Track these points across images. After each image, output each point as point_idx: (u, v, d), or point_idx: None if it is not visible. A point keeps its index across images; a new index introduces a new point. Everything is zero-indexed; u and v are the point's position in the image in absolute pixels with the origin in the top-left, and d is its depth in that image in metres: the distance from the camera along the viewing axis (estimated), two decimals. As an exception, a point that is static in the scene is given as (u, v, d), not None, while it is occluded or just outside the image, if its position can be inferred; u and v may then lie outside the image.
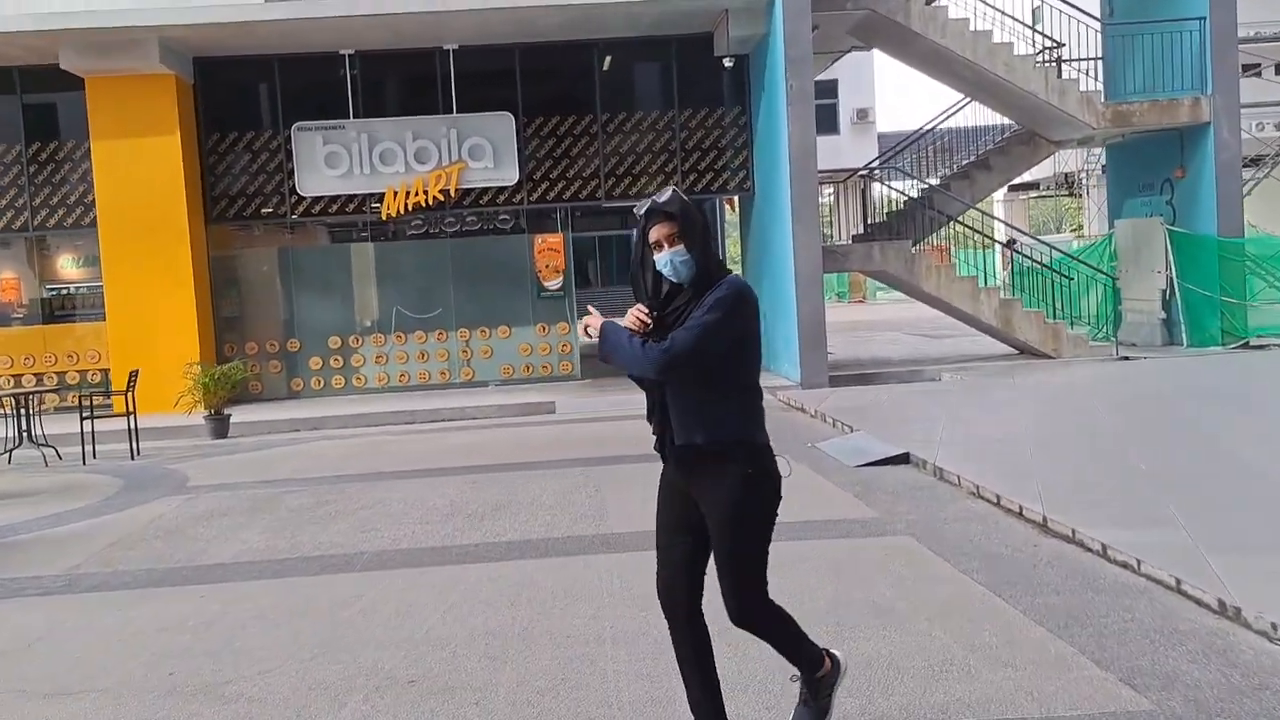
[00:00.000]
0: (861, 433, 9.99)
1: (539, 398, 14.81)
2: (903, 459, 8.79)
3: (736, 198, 18.37)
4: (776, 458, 3.61)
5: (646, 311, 3.49)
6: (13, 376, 15.99)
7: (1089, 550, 5.98)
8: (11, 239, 16.27)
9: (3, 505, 9.05)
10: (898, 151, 18.87)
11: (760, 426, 3.60)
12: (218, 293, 16.18)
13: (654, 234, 3.44)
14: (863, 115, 36.64)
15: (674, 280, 3.48)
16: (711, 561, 3.62)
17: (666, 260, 3.44)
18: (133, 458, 11.36)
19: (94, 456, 11.49)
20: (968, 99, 17.49)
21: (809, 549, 6.25)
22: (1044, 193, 37.39)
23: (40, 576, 6.69)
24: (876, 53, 19.97)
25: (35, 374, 16.01)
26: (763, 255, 16.41)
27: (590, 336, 3.63)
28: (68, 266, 16.79)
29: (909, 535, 6.58)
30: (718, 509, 3.51)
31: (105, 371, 15.50)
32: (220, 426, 12.84)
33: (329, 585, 6.17)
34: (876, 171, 17.43)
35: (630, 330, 3.48)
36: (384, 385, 16.54)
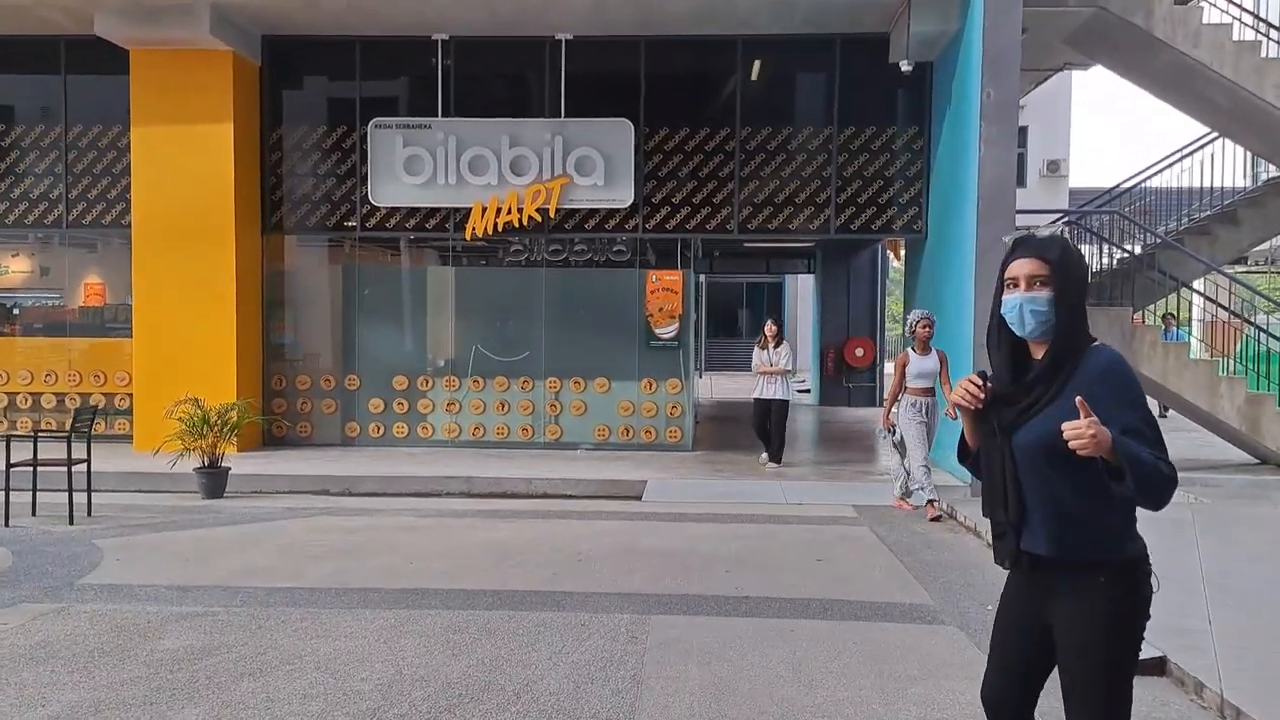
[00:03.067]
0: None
1: (629, 473, 11.65)
2: (1155, 666, 5.20)
3: (903, 241, 14.88)
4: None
5: (980, 382, 2.75)
6: (28, 394, 13.85)
7: None
8: (49, 234, 14.21)
9: None
10: (1113, 198, 15.03)
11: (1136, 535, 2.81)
12: (269, 314, 13.70)
13: (1014, 269, 2.77)
14: (1054, 168, 32.23)
15: (1018, 332, 2.77)
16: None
17: (1017, 304, 2.75)
18: (71, 521, 8.70)
19: (33, 514, 8.93)
20: (1212, 135, 13.60)
21: None
22: (1252, 268, 32.36)
23: None
24: (1075, 96, 16.16)
25: (57, 393, 13.83)
26: (936, 310, 12.86)
27: (1085, 446, 2.51)
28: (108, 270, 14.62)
29: None
30: (1082, 634, 2.74)
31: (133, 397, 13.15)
32: (213, 482, 10.14)
33: None
34: (1088, 220, 13.75)
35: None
36: (454, 438, 13.69)
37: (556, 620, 5.95)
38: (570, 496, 11.00)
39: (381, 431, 13.73)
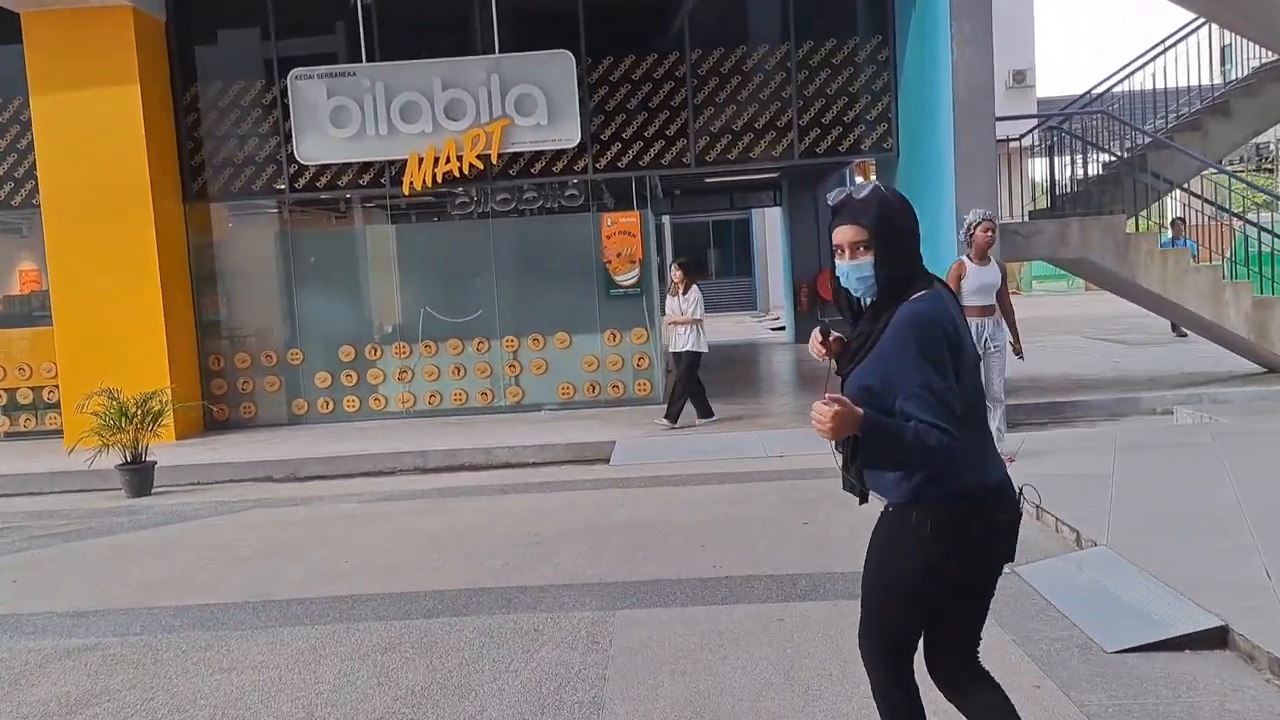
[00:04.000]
0: (1104, 548, 5.64)
1: (596, 434, 10.80)
2: (1216, 638, 4.40)
3: (873, 162, 13.96)
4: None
5: (823, 333, 2.83)
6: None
7: None
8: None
9: None
10: (1089, 102, 14.10)
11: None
12: (199, 289, 12.68)
13: (836, 236, 2.76)
14: (1019, 78, 31.26)
15: (857, 296, 2.80)
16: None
17: (844, 272, 2.76)
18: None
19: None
20: (1199, 21, 12.66)
21: None
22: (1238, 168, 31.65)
23: None
24: (1038, 1, 15.08)
25: (-21, 391, 12.82)
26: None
27: (824, 433, 2.56)
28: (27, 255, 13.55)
29: None
30: (869, 556, 2.85)
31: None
32: (138, 479, 9.22)
33: None
34: (1070, 124, 12.79)
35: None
36: (408, 409, 12.79)
37: (505, 625, 5.11)
38: (533, 464, 10.15)
39: (331, 407, 12.81)
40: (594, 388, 12.83)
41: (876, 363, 2.63)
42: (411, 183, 12.15)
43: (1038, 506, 6.55)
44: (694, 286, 10.91)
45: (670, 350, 11.28)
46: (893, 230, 2.69)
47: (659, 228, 22.54)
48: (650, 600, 5.38)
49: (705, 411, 11.10)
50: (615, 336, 12.79)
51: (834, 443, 2.60)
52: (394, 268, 12.97)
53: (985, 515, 2.66)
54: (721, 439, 10.28)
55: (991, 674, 2.85)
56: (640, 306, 12.80)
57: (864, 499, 2.72)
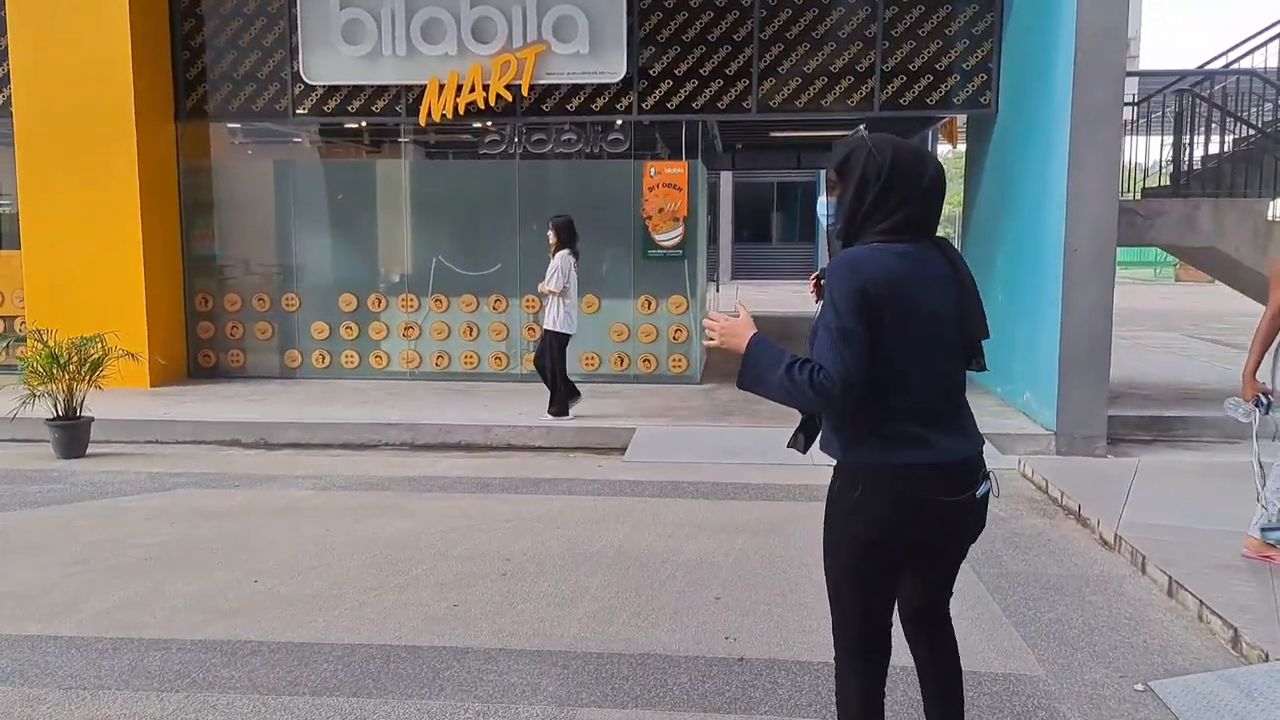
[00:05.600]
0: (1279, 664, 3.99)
1: (615, 418, 9.26)
2: None
3: (964, 120, 12.09)
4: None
5: (819, 275, 2.74)
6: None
7: None
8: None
9: None
10: (1215, 73, 12.05)
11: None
12: (190, 221, 11.29)
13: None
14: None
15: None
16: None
17: (817, 208, 2.93)
18: None
19: None
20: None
21: None
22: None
23: None
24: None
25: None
26: (1001, 215, 10.24)
27: (714, 341, 2.70)
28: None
29: None
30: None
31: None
32: (69, 437, 7.85)
33: None
34: (1208, 87, 10.82)
35: (784, 351, 2.60)
36: (413, 369, 11.34)
37: (426, 709, 3.60)
38: (537, 449, 8.65)
39: (327, 361, 11.39)
40: (622, 360, 11.26)
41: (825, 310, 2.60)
42: (430, 112, 10.60)
43: (1172, 581, 4.90)
44: (563, 253, 9.01)
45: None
46: (849, 175, 2.65)
47: (714, 184, 20.84)
48: (627, 693, 3.83)
49: (561, 409, 9.09)
50: (650, 304, 11.20)
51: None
52: (406, 209, 11.44)
53: (920, 490, 2.53)
54: (759, 436, 8.67)
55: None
56: (681, 271, 11.17)
57: (804, 450, 2.73)
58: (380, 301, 11.35)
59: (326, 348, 11.36)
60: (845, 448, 2.59)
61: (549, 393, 9.14)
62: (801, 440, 2.71)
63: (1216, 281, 31.49)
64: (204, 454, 8.27)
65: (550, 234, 9.14)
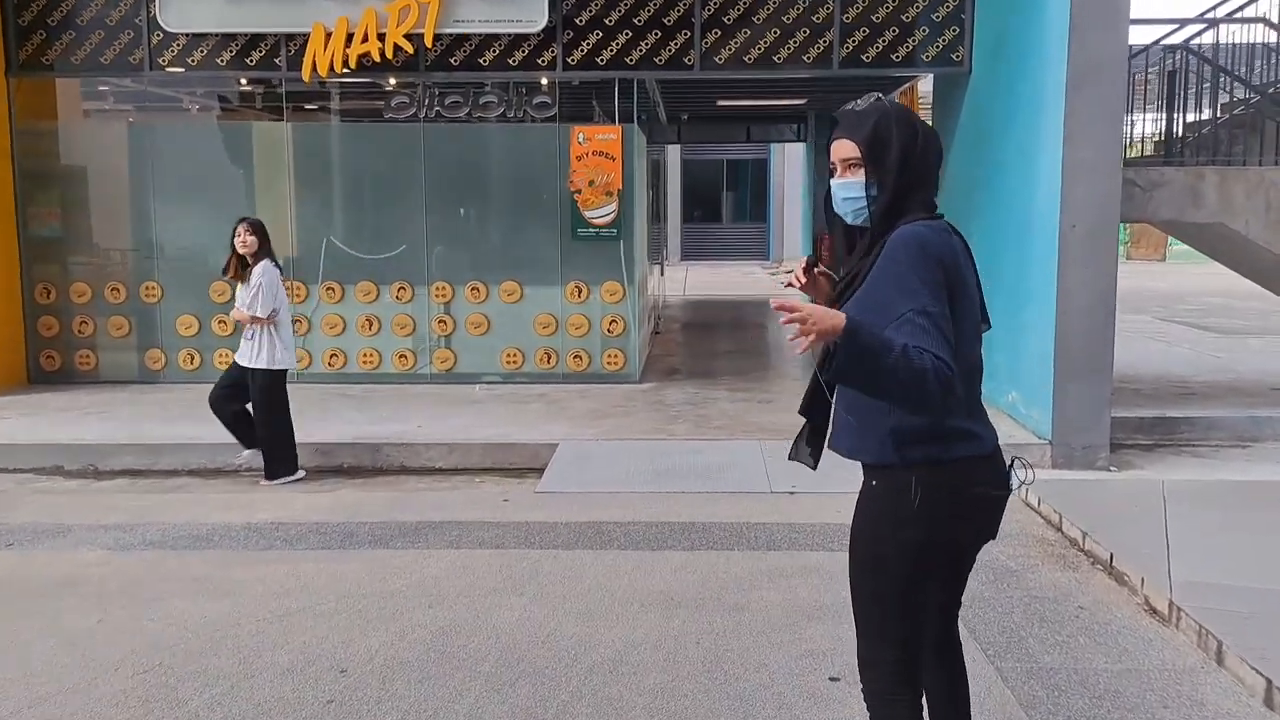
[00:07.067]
0: None
1: (535, 429, 7.76)
2: None
3: (931, 80, 10.61)
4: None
5: (809, 263, 2.53)
6: None
7: None
8: None
9: None
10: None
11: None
12: (27, 195, 9.52)
13: (832, 151, 2.50)
14: None
15: (848, 222, 2.50)
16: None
17: (835, 192, 2.49)
18: None
19: None
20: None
21: None
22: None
23: None
24: None
25: None
26: (977, 190, 8.79)
27: (805, 339, 2.11)
28: None
29: None
30: (852, 535, 2.55)
31: None
32: None
33: None
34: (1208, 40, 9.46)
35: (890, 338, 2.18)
36: (302, 370, 9.67)
37: None
38: (435, 472, 7.11)
39: (197, 363, 9.68)
40: (549, 357, 9.71)
41: (864, 295, 2.32)
42: (315, 66, 8.94)
43: (1272, 686, 3.50)
44: (264, 264, 6.69)
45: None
46: (887, 146, 2.39)
47: (658, 159, 19.32)
48: None
49: (275, 470, 6.77)
50: (580, 291, 9.65)
51: (800, 408, 2.48)
52: (290, 182, 9.74)
53: (974, 485, 2.37)
54: (708, 451, 7.17)
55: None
56: (616, 253, 9.63)
57: (814, 464, 2.52)
58: (261, 291, 9.65)
59: (195, 346, 9.66)
60: (900, 445, 2.34)
61: (262, 455, 6.81)
62: (809, 453, 2.51)
63: (1168, 259, 30.43)
64: (4, 488, 6.58)
65: (243, 237, 6.68)
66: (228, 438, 6.97)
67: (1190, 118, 10.04)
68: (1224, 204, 8.26)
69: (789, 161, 27.56)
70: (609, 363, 9.73)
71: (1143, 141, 10.46)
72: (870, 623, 2.44)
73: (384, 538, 5.40)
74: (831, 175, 2.50)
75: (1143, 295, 18.36)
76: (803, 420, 2.53)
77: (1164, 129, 9.84)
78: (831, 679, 3.68)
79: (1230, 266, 9.74)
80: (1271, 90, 9.35)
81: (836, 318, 2.08)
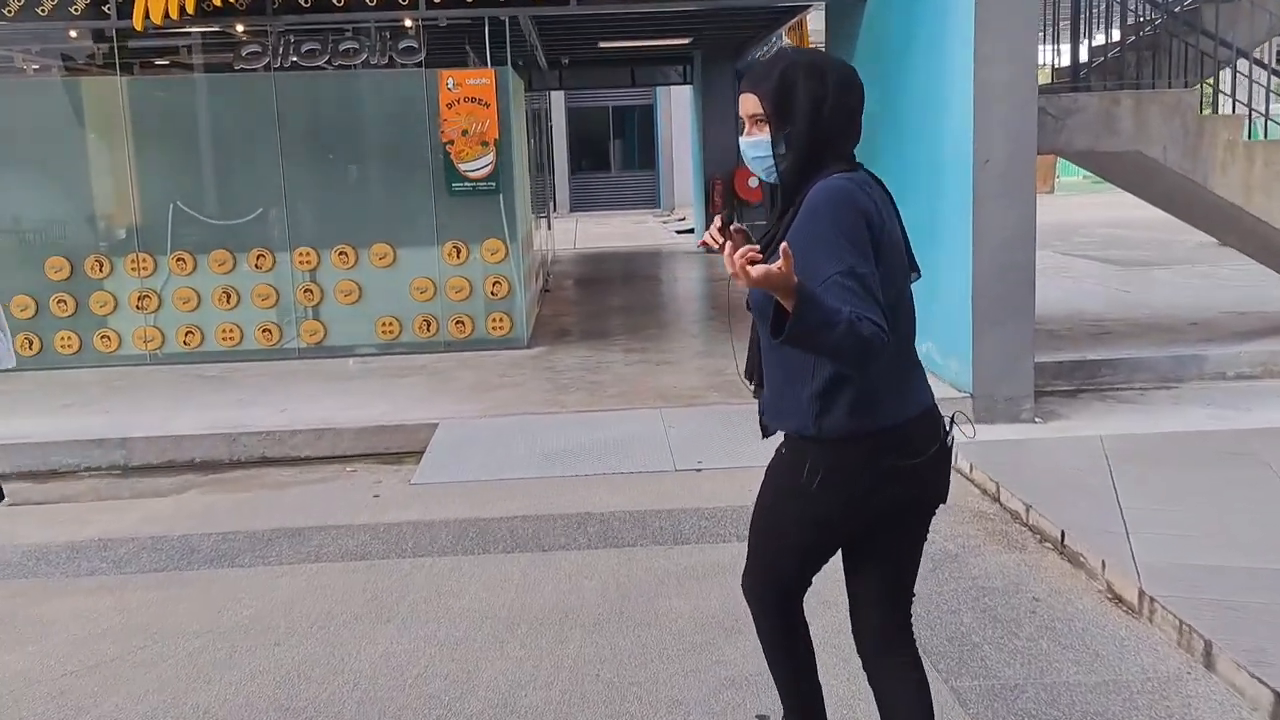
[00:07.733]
0: None
1: (414, 405, 7.06)
2: None
3: (823, 15, 10.01)
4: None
5: (724, 221, 2.21)
6: None
7: None
8: None
9: None
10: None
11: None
12: None
13: (739, 107, 2.36)
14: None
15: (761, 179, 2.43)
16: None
17: (743, 150, 2.36)
18: None
19: None
20: None
21: None
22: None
23: None
24: None
25: None
26: (880, 127, 8.21)
27: (738, 281, 2.00)
28: None
29: None
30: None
31: None
32: None
33: None
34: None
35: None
36: (155, 350, 8.75)
37: None
38: (303, 461, 6.38)
39: (36, 347, 8.66)
40: (428, 325, 8.94)
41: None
42: (147, 12, 7.92)
43: (1210, 643, 3.04)
44: None
45: None
46: (794, 99, 2.24)
47: (540, 107, 18.45)
48: None
49: None
50: (459, 252, 8.88)
51: (744, 371, 2.43)
52: (128, 142, 8.71)
53: (899, 450, 2.23)
54: (603, 425, 6.56)
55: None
56: (496, 208, 8.87)
57: (766, 433, 2.41)
58: (102, 265, 8.65)
59: (32, 329, 8.63)
60: (819, 415, 2.21)
61: None
62: (763, 420, 2.42)
63: (1055, 191, 30.61)
64: None
65: None
66: (74, 430, 6.06)
67: (1098, 41, 9.69)
68: (1140, 130, 7.88)
69: (676, 105, 26.82)
70: (494, 328, 9.01)
71: (1052, 71, 10.07)
72: (761, 569, 2.46)
73: (230, 553, 4.66)
74: (740, 132, 2.36)
75: (1040, 229, 18.26)
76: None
77: (1070, 54, 9.45)
78: (759, 718, 3.11)
79: (1145, 198, 9.44)
80: (1178, 8, 9.01)
81: (788, 285, 1.95)
